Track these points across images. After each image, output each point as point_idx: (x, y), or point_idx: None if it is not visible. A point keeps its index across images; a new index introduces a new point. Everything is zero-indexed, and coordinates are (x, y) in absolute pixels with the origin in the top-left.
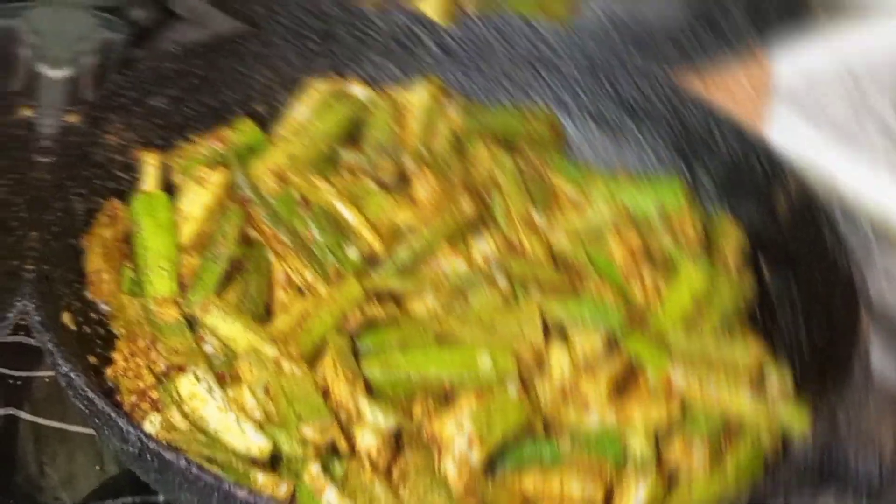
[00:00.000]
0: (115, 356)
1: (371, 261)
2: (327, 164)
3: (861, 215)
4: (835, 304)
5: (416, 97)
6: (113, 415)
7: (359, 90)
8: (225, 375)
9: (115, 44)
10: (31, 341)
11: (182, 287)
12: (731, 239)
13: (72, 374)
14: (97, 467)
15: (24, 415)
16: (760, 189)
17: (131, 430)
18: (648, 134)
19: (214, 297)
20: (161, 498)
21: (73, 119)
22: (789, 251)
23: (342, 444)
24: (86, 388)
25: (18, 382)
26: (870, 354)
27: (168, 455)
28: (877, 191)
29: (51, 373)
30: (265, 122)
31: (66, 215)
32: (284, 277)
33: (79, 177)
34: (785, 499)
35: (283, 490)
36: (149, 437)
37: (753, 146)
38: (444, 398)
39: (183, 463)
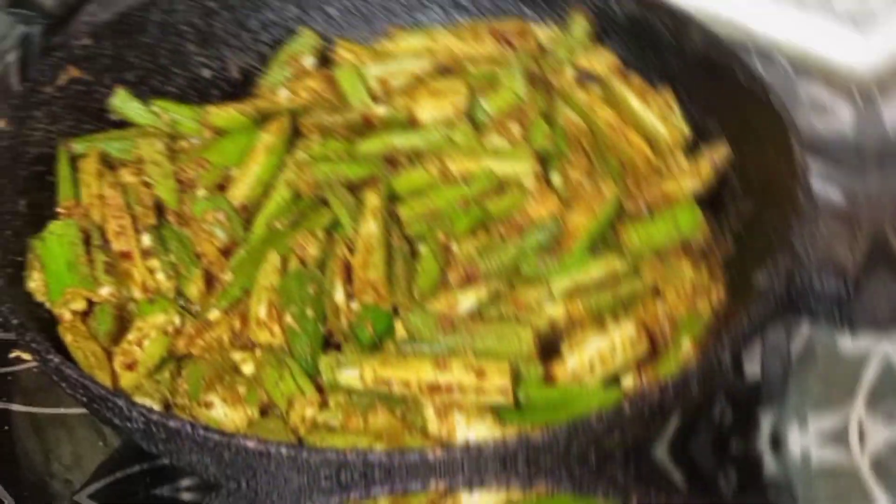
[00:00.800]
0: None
1: None
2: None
3: (777, 52)
4: (765, 140)
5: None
6: (111, 396)
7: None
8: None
9: (33, 37)
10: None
11: None
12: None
13: (62, 367)
14: (100, 443)
15: (17, 407)
16: (668, 46)
17: (133, 407)
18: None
19: None
20: (167, 460)
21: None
22: (709, 99)
23: None
24: (79, 378)
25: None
26: (810, 182)
27: (173, 423)
28: (787, 23)
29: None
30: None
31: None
32: None
33: (17, 178)
34: (762, 335)
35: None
36: (150, 410)
37: (650, 5)
38: None
39: (188, 428)
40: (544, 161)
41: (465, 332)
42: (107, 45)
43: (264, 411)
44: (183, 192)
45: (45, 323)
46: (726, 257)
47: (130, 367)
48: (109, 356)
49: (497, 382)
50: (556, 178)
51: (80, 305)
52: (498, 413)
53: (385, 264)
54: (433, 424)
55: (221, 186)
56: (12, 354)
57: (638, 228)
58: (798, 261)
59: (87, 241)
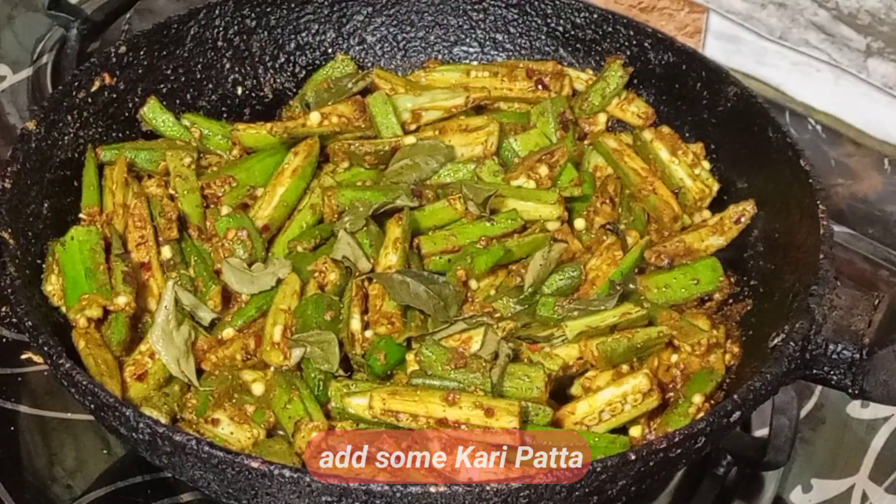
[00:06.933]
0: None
1: None
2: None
3: (810, 115)
4: (792, 202)
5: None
6: (119, 406)
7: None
8: None
9: (69, 40)
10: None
11: None
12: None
13: (72, 373)
14: (104, 451)
15: (24, 409)
16: (701, 99)
17: (139, 418)
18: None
19: None
20: (169, 473)
21: (30, 125)
22: (739, 156)
23: None
24: (88, 384)
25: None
26: (832, 247)
27: (179, 437)
28: (822, 88)
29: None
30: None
31: (38, 218)
32: None
33: (42, 180)
34: (773, 396)
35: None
36: (157, 422)
37: (687, 57)
38: None
39: (194, 443)
40: (569, 205)
41: (476, 370)
42: (143, 55)
43: (271, 433)
44: (207, 208)
45: (59, 327)
46: (743, 315)
47: (140, 377)
48: (120, 365)
49: (506, 422)
50: (579, 223)
51: (95, 312)
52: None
53: None
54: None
55: (245, 205)
56: (23, 356)
57: (657, 280)
58: (815, 325)
59: (107, 249)
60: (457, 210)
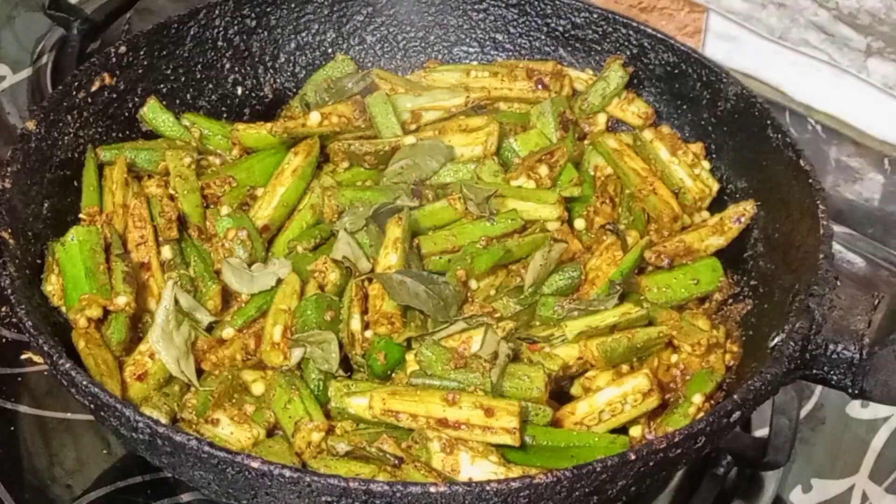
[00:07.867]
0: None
1: None
2: None
3: (810, 115)
4: (792, 202)
5: None
6: (119, 406)
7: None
8: None
9: (69, 40)
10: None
11: None
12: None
13: (72, 373)
14: (104, 451)
15: (24, 409)
16: (701, 100)
17: (139, 418)
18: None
19: None
20: (169, 473)
21: (30, 125)
22: (739, 156)
23: None
24: (88, 384)
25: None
26: (832, 248)
27: (179, 437)
28: (822, 87)
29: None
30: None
31: (38, 218)
32: None
33: (42, 180)
34: (772, 396)
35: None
36: (157, 422)
37: (687, 57)
38: None
39: (194, 443)
40: (569, 205)
41: (476, 370)
42: (142, 55)
43: (271, 433)
44: (207, 208)
45: (59, 327)
46: (743, 315)
47: (140, 378)
48: (120, 365)
49: (506, 422)
50: (579, 223)
51: (95, 313)
52: (503, 452)
53: None
54: (438, 459)
55: (245, 205)
56: (23, 356)
57: (657, 280)
58: (814, 325)
59: (107, 249)
60: (457, 210)
